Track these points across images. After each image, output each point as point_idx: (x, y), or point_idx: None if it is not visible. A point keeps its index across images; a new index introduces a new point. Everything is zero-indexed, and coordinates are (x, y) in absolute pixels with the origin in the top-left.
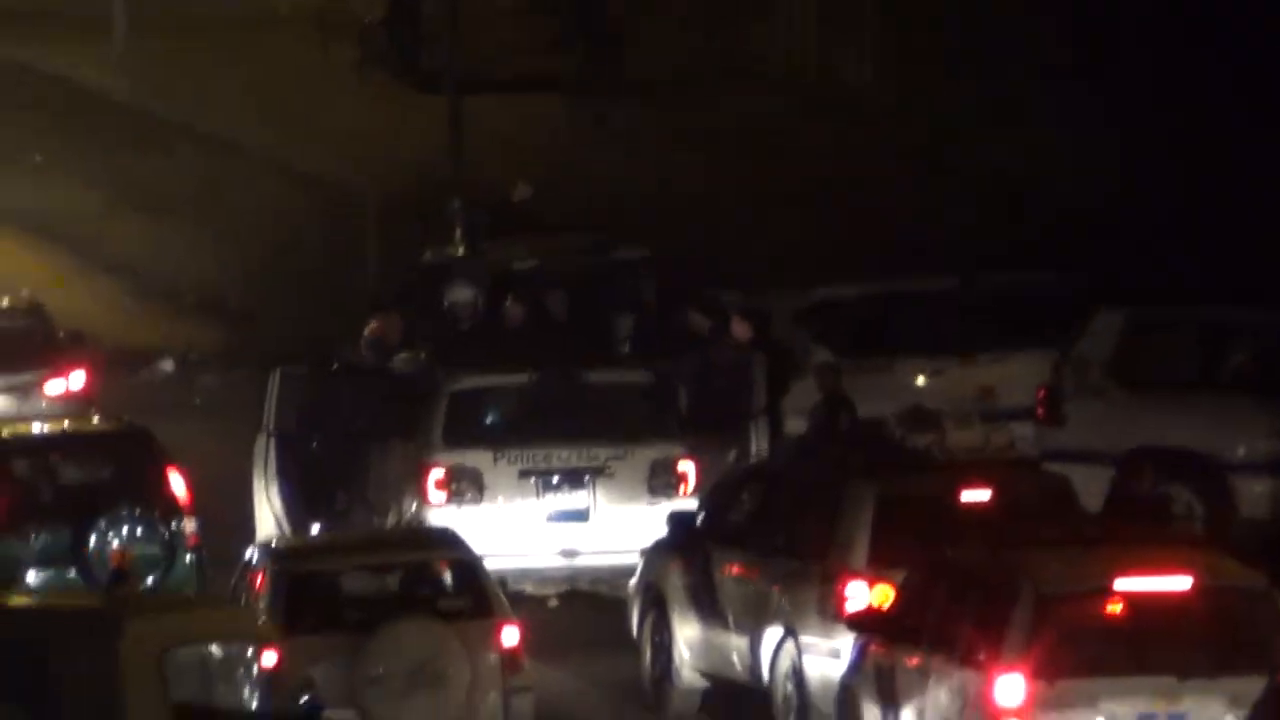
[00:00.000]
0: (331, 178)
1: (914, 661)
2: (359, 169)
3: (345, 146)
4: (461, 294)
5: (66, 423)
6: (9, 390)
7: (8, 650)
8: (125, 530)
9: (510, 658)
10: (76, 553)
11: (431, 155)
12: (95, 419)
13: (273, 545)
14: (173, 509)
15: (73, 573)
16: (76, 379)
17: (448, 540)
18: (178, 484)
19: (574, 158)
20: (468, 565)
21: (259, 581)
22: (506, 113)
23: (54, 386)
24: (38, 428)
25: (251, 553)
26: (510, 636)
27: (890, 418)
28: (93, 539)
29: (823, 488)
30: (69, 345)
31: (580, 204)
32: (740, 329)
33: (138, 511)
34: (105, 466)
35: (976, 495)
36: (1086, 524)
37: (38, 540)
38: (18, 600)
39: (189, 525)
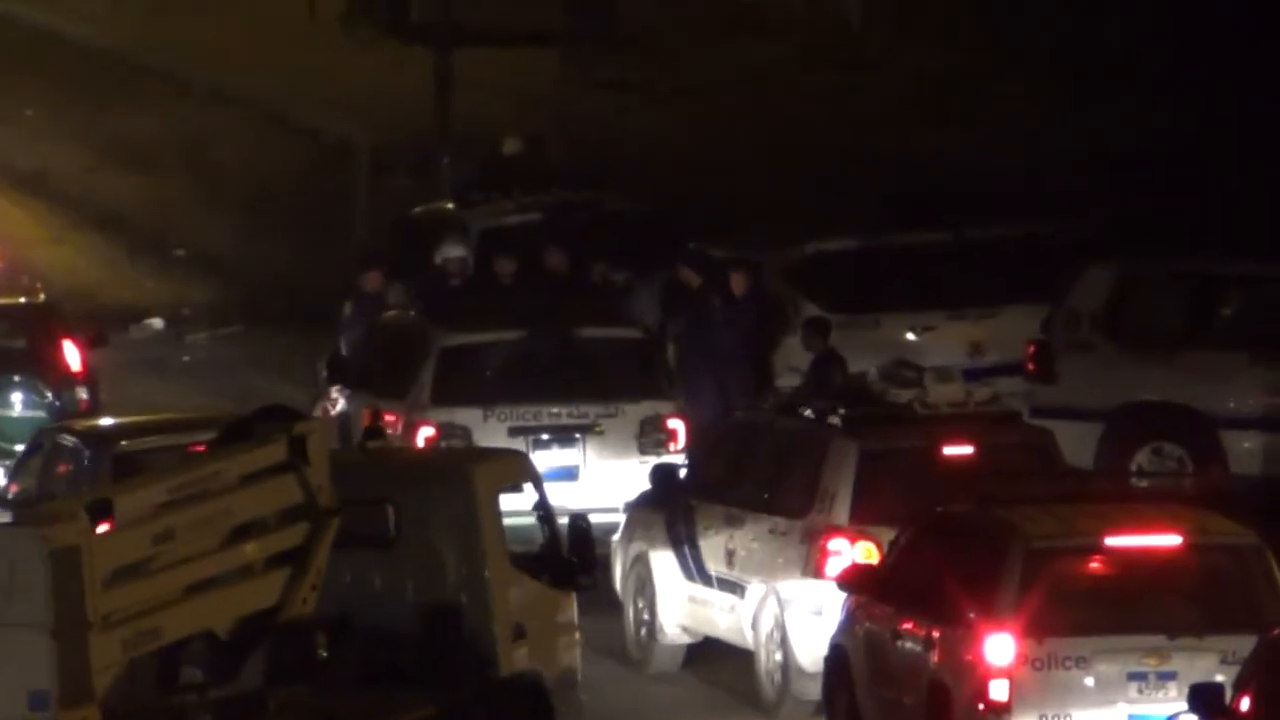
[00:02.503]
0: (322, 131)
1: (903, 621)
2: (349, 121)
3: (335, 99)
4: (452, 251)
5: None
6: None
7: (386, 500)
8: (12, 395)
9: None
10: None
11: (421, 109)
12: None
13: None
14: (66, 378)
15: None
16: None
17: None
18: (72, 355)
19: (566, 111)
20: None
21: None
22: (497, 65)
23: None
24: None
25: None
26: None
27: (872, 372)
28: None
29: (805, 442)
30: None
31: (572, 157)
32: (737, 282)
33: (17, 379)
34: (12, 338)
35: (959, 450)
36: (1073, 479)
37: None
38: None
39: (81, 393)
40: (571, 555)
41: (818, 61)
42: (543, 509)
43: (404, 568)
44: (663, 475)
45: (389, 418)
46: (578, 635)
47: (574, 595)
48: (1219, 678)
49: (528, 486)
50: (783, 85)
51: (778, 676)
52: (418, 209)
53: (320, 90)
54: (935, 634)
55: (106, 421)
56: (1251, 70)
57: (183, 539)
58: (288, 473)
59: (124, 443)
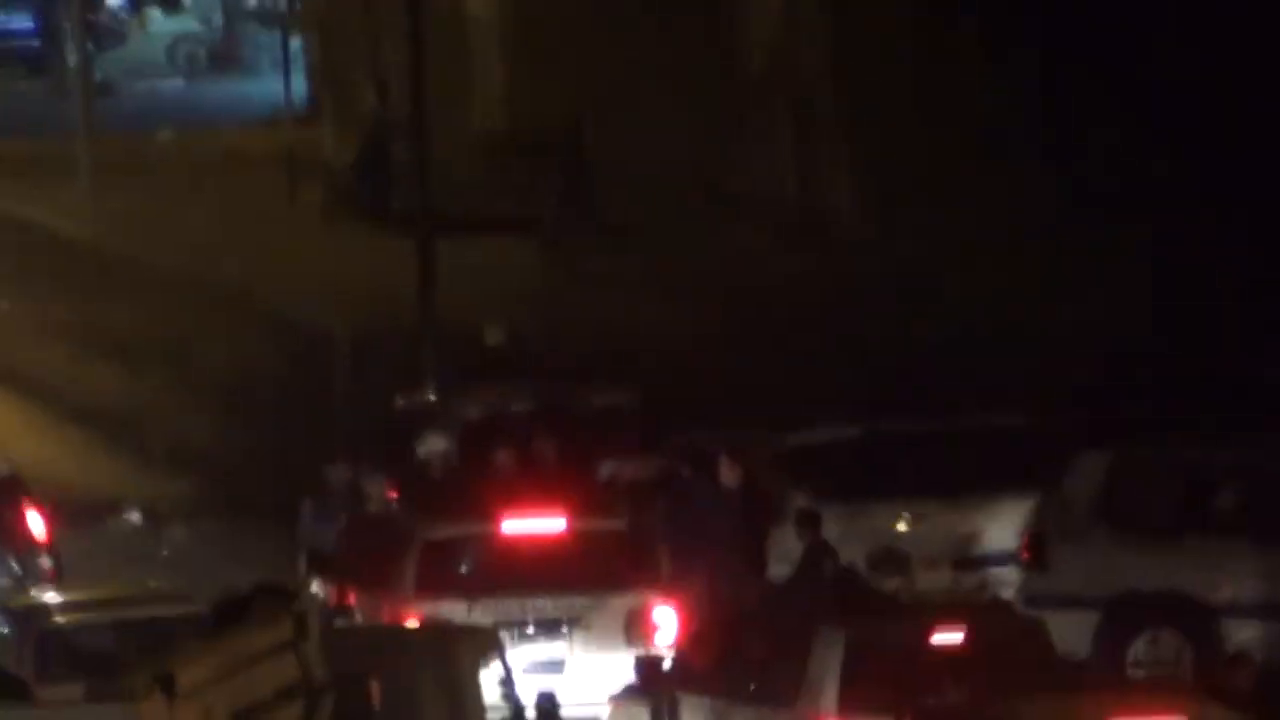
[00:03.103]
0: (302, 320)
1: None
2: (329, 311)
3: (315, 289)
4: (434, 445)
5: None
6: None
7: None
8: None
9: None
10: None
11: (402, 297)
12: None
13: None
14: (30, 546)
15: None
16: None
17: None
18: (36, 523)
19: (549, 301)
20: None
21: None
22: (479, 254)
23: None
24: None
25: None
26: None
27: (859, 561)
28: None
29: (793, 632)
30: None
31: (555, 348)
32: (729, 473)
33: None
34: None
35: (948, 638)
36: (1067, 669)
37: None
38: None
39: (44, 561)
40: None
41: (801, 242)
42: (507, 683)
43: None
44: (647, 666)
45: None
46: None
47: None
48: None
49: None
50: (767, 271)
51: None
52: (400, 400)
53: (301, 280)
54: None
55: (49, 595)
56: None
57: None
58: (287, 650)
59: (56, 618)
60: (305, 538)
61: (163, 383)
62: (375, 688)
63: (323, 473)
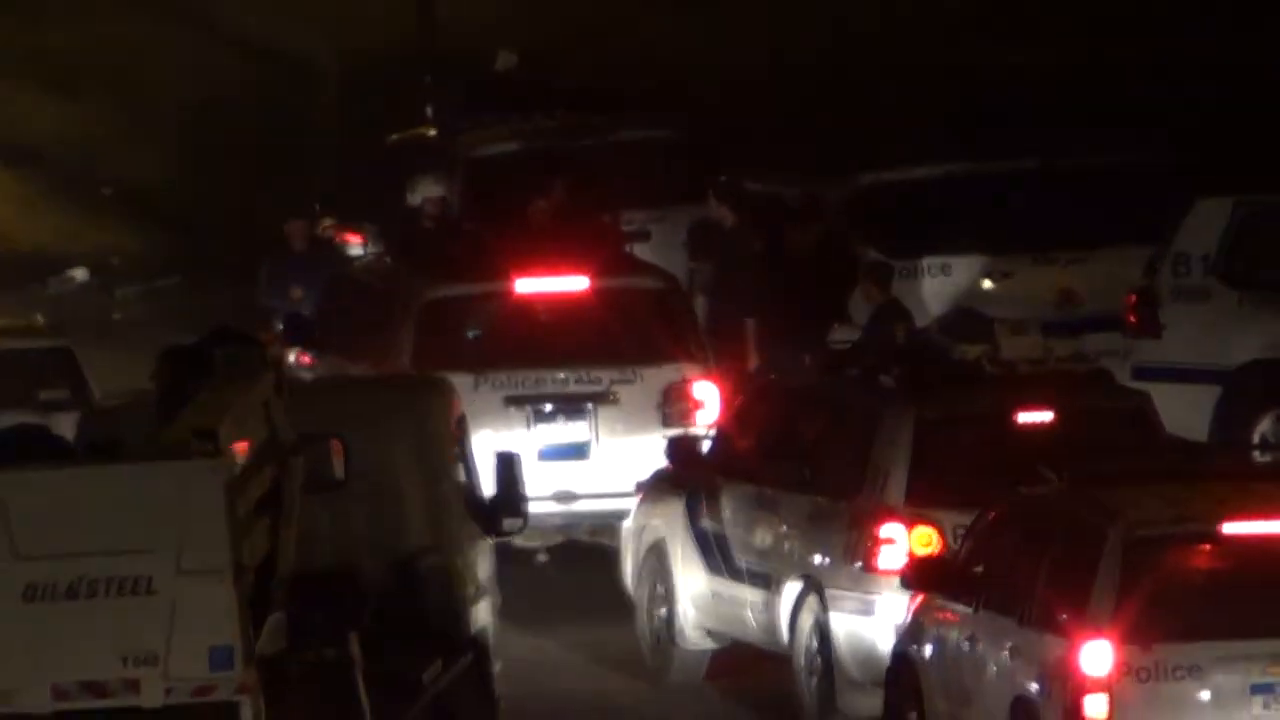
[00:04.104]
0: (279, 45)
1: (984, 624)
2: (308, 30)
3: (295, 6)
4: (429, 189)
5: None
6: None
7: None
8: None
9: None
10: None
11: (397, 17)
12: None
13: None
14: None
15: None
16: None
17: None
18: None
19: (571, 18)
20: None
21: None
22: None
23: None
24: None
25: None
26: None
27: (933, 325)
28: None
29: (853, 409)
30: None
31: (580, 73)
32: (802, 231)
33: None
34: None
35: (1036, 416)
36: (1179, 452)
37: None
38: None
39: None
40: (496, 495)
41: None
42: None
43: (361, 514)
44: (682, 449)
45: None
46: (498, 596)
47: (491, 544)
48: None
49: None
50: None
51: (820, 687)
52: (394, 136)
53: None
54: (1020, 641)
55: None
56: None
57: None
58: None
59: None
60: (264, 303)
61: (111, 117)
62: (338, 447)
63: (285, 227)
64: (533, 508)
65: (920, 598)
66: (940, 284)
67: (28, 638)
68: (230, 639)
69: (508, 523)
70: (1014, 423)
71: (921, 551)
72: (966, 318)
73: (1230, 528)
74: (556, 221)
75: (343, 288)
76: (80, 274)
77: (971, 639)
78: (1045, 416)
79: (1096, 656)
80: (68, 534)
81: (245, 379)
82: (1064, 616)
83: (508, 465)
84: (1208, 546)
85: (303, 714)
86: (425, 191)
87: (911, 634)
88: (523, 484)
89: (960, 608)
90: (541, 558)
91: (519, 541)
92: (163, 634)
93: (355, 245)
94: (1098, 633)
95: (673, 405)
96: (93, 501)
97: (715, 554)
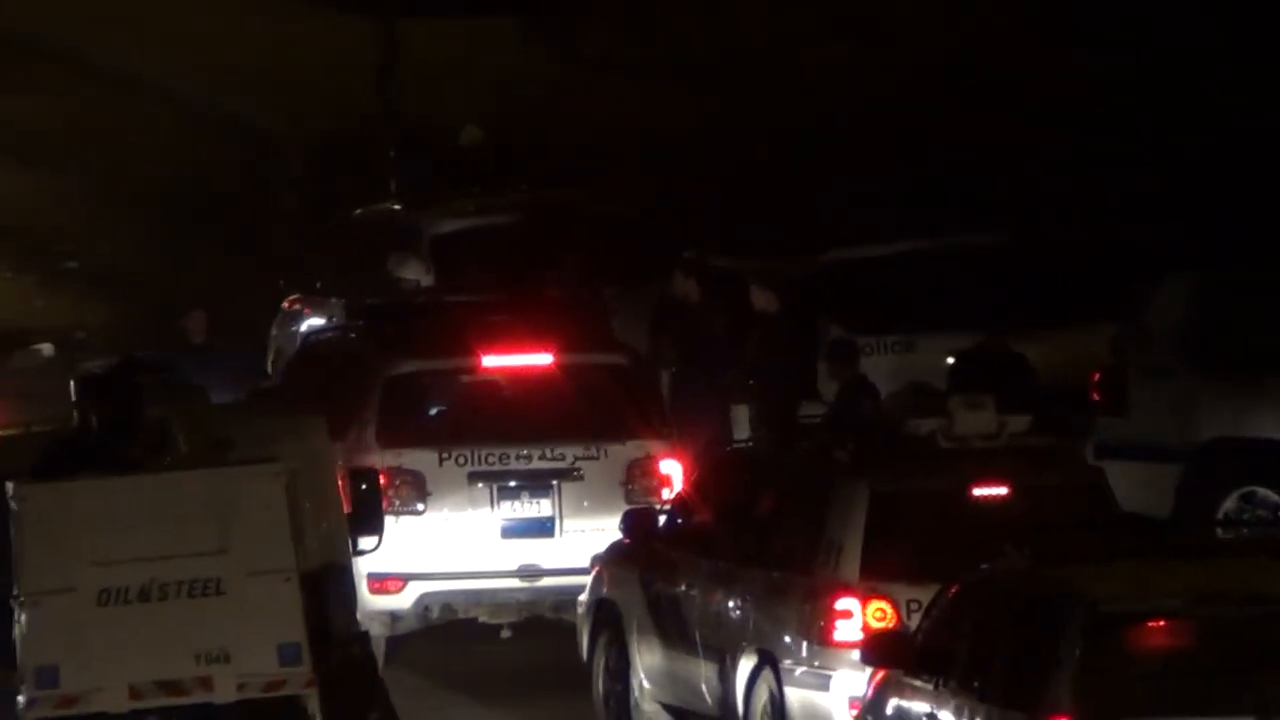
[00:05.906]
0: (240, 116)
1: (945, 700)
2: (272, 105)
3: (255, 78)
4: (409, 270)
5: None
6: None
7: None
8: None
9: None
10: None
11: (361, 91)
12: None
13: None
14: None
15: None
16: None
17: None
18: None
19: (534, 93)
20: None
21: None
22: (452, 38)
23: None
24: None
25: None
26: None
27: (886, 401)
28: None
29: (807, 483)
30: None
31: (542, 149)
32: (762, 298)
33: None
34: None
35: (991, 491)
36: (1138, 528)
37: None
38: None
39: None
40: (353, 514)
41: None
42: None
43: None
44: (638, 522)
45: None
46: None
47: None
48: None
49: None
50: (789, 61)
51: None
52: (358, 210)
53: (242, 69)
54: (981, 717)
55: None
56: None
57: None
58: None
59: None
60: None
61: (75, 188)
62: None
63: (181, 321)
64: (497, 584)
65: (881, 673)
66: (903, 360)
67: (103, 641)
68: (297, 636)
69: (363, 541)
70: (967, 497)
71: (876, 625)
72: (918, 392)
73: (1193, 606)
74: (523, 296)
75: (307, 360)
76: (46, 349)
77: (931, 715)
78: (999, 491)
79: None
80: (138, 539)
81: (185, 400)
82: (1025, 693)
83: (369, 484)
84: (1171, 624)
85: (342, 706)
86: (404, 273)
87: (872, 709)
88: (379, 503)
89: (921, 684)
90: (505, 633)
91: (483, 617)
92: (233, 632)
93: (318, 318)
94: (1057, 711)
95: (637, 481)
96: (162, 507)
97: (671, 627)
